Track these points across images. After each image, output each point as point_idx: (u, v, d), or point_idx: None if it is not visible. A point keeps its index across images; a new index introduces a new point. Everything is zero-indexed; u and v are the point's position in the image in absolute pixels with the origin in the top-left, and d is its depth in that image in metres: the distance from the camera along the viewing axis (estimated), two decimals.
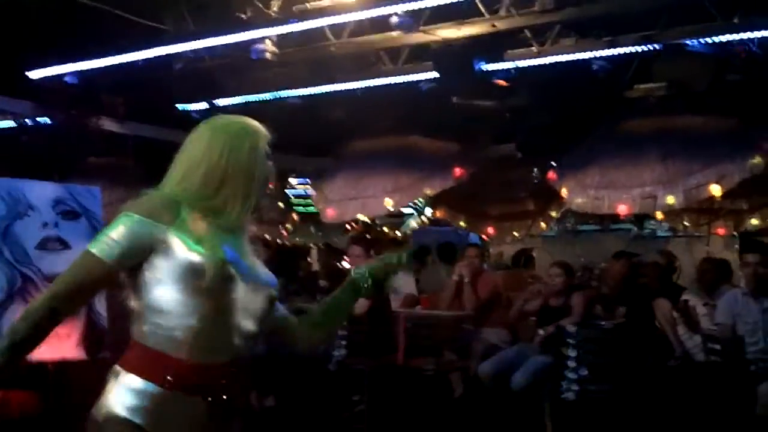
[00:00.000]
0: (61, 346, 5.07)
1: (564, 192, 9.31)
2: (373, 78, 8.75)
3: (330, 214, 10.67)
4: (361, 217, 10.76)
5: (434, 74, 8.12)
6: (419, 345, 6.91)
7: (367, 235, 10.84)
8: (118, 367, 2.07)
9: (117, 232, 2.02)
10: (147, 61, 7.96)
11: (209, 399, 2.05)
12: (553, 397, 6.13)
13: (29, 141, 9.86)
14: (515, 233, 11.60)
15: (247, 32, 7.15)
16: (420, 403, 6.63)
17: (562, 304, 6.60)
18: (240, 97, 9.18)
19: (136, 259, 2.03)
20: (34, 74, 8.44)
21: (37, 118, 9.58)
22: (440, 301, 7.75)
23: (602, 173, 8.91)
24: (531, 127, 9.82)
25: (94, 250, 2.02)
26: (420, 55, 8.28)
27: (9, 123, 9.79)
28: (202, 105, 9.52)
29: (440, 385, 6.93)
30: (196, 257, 2.01)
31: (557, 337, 6.27)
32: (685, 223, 10.47)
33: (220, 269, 2.03)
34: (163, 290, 2.03)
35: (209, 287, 2.02)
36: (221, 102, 9.32)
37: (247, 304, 2.12)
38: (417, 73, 8.47)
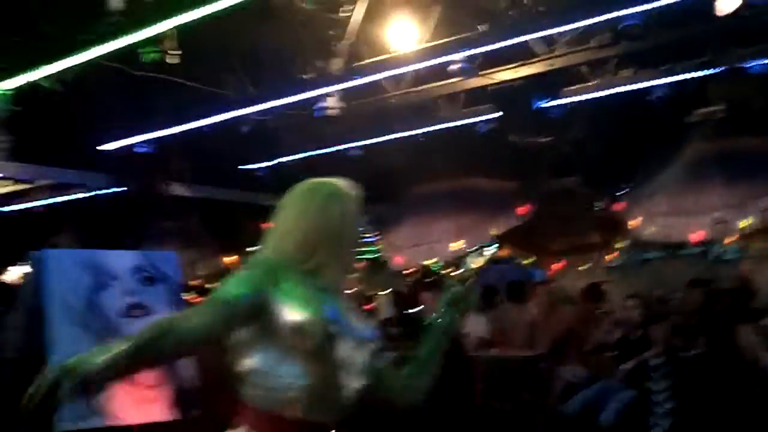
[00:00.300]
0: (150, 408, 5.17)
1: (633, 222, 9.21)
2: (432, 124, 8.84)
3: (399, 261, 10.70)
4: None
5: (492, 115, 8.17)
6: (496, 387, 6.85)
7: (427, 279, 10.80)
8: None
9: (232, 285, 2.07)
10: (212, 126, 8.17)
11: None
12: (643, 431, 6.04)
13: (102, 209, 10.18)
14: (581, 266, 11.45)
15: (309, 92, 7.29)
16: None
17: (640, 337, 6.52)
18: (302, 153, 9.35)
19: (248, 312, 2.05)
20: (106, 147, 8.73)
21: (109, 188, 9.89)
22: (513, 341, 7.70)
23: (670, 200, 8.82)
24: (592, 158, 9.75)
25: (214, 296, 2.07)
26: (477, 98, 8.33)
27: (83, 194, 10.13)
28: (265, 163, 9.71)
29: (521, 427, 6.86)
30: (300, 319, 2.07)
31: (640, 371, 6.20)
32: (758, 244, 10.22)
33: (323, 329, 2.09)
34: (271, 353, 2.08)
35: (315, 347, 2.07)
36: (283, 158, 9.48)
37: (352, 361, 2.17)
38: (475, 116, 8.54)
